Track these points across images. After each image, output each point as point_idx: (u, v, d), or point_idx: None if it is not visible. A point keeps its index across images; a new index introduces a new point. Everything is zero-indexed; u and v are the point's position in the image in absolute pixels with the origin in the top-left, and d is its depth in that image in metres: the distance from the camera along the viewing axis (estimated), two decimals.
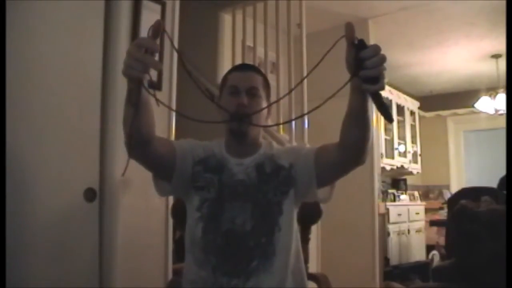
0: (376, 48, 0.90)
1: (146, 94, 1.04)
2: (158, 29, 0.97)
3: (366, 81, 0.91)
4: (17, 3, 1.56)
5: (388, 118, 0.97)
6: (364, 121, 1.04)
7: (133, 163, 1.24)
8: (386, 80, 0.92)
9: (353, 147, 1.11)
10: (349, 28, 0.91)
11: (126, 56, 0.95)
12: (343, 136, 1.12)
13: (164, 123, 2.03)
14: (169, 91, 2.08)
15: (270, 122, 1.54)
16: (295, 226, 1.27)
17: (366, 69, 0.90)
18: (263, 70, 3.13)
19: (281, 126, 3.05)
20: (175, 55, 2.16)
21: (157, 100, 1.03)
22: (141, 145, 1.13)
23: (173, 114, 2.08)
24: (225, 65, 3.32)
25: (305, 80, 2.82)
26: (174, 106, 2.08)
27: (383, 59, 0.90)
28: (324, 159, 1.21)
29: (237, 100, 1.24)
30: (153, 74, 1.03)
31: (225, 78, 1.34)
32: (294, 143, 2.87)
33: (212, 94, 3.05)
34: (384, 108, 0.94)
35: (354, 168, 1.17)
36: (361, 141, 1.09)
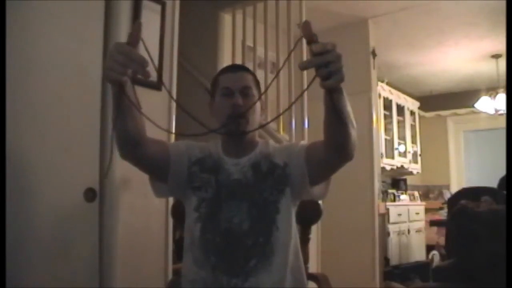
0: (324, 45, 0.90)
1: (133, 96, 1.05)
2: (136, 36, 0.96)
3: (322, 78, 0.92)
4: (17, 3, 1.55)
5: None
6: (339, 118, 1.01)
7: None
8: (339, 77, 0.92)
9: (334, 144, 1.11)
10: (305, 27, 0.91)
11: (107, 59, 0.97)
12: (324, 134, 1.12)
13: (164, 124, 2.02)
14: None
15: (265, 120, 1.55)
16: (294, 224, 1.27)
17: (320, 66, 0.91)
18: (263, 70, 3.16)
19: (281, 126, 3.05)
20: (175, 55, 2.16)
21: (137, 107, 1.04)
22: (131, 147, 1.15)
23: (173, 115, 2.08)
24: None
25: (305, 81, 2.82)
26: (173, 108, 2.08)
27: (330, 56, 0.90)
28: (313, 157, 1.21)
29: (232, 101, 1.25)
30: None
31: (216, 80, 1.34)
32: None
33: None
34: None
35: (342, 164, 1.16)
36: (340, 138, 1.08)
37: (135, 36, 0.97)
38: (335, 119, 1.01)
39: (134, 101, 1.05)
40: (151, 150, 1.21)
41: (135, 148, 1.16)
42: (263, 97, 1.36)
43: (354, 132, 1.08)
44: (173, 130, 2.08)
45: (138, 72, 0.96)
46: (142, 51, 0.98)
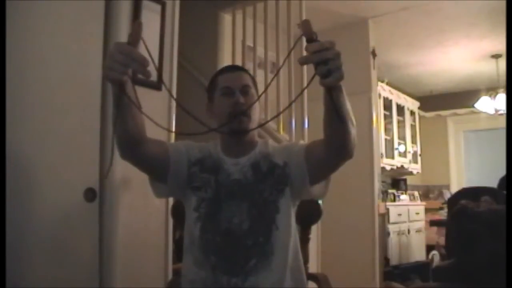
0: (322, 43, 0.90)
1: (133, 95, 1.05)
2: (137, 36, 0.96)
3: (321, 76, 0.92)
4: (17, 3, 1.55)
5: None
6: (338, 116, 1.01)
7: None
8: (339, 75, 0.92)
9: (334, 142, 1.11)
10: (305, 26, 0.91)
11: (107, 59, 0.96)
12: (324, 132, 1.12)
13: (164, 124, 2.02)
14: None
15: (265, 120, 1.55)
16: (293, 224, 1.27)
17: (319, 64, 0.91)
18: (263, 70, 3.16)
19: (281, 125, 3.05)
20: (175, 55, 2.16)
21: (138, 107, 1.04)
22: (131, 146, 1.15)
23: (173, 115, 2.08)
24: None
25: (305, 81, 2.82)
26: (173, 108, 2.08)
27: (329, 53, 0.90)
28: (313, 156, 1.21)
29: (233, 100, 1.25)
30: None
31: (214, 81, 1.34)
32: None
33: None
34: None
35: (342, 162, 1.16)
36: (340, 136, 1.08)
37: (135, 35, 0.97)
38: (335, 117, 1.01)
39: (135, 101, 1.05)
40: (151, 150, 1.21)
41: (135, 148, 1.16)
42: (261, 96, 1.36)
43: (354, 131, 1.09)
44: (173, 130, 2.08)
45: (139, 72, 0.96)
46: (142, 51, 0.98)
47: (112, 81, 1.00)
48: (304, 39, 0.93)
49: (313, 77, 0.95)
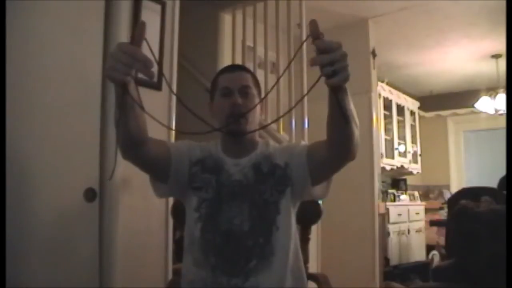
0: (330, 43, 0.90)
1: (136, 96, 1.04)
2: (140, 36, 0.96)
3: (326, 76, 0.92)
4: (17, 3, 1.55)
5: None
6: (343, 117, 1.00)
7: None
8: (344, 76, 0.92)
9: (337, 143, 1.11)
10: (313, 26, 0.91)
11: (109, 58, 0.96)
12: (327, 133, 1.11)
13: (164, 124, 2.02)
14: (169, 91, 2.08)
15: (265, 120, 1.55)
16: (294, 225, 1.27)
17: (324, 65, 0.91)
18: (263, 70, 3.15)
19: (281, 126, 3.05)
20: (175, 55, 2.16)
21: (141, 107, 1.04)
22: (133, 147, 1.15)
23: (173, 115, 2.08)
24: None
25: (305, 81, 2.82)
26: (174, 106, 2.08)
27: (335, 54, 0.90)
28: (315, 157, 1.21)
29: (231, 101, 1.25)
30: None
31: (215, 81, 1.34)
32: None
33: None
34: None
35: (345, 163, 1.16)
36: (344, 138, 1.08)
37: (139, 36, 0.96)
38: (339, 118, 1.01)
39: (138, 101, 1.04)
40: (152, 150, 1.21)
41: (137, 148, 1.16)
42: (261, 96, 1.35)
43: (357, 132, 1.08)
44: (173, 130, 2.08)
45: (143, 73, 0.96)
46: (144, 51, 0.98)
47: (115, 82, 0.99)
48: (306, 39, 0.93)
49: (317, 80, 0.94)
